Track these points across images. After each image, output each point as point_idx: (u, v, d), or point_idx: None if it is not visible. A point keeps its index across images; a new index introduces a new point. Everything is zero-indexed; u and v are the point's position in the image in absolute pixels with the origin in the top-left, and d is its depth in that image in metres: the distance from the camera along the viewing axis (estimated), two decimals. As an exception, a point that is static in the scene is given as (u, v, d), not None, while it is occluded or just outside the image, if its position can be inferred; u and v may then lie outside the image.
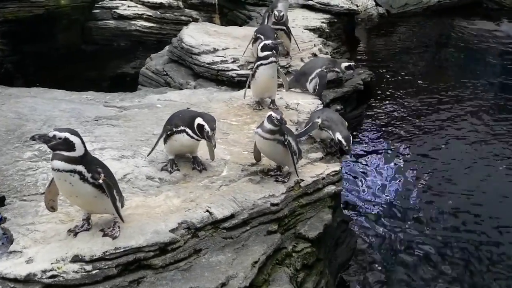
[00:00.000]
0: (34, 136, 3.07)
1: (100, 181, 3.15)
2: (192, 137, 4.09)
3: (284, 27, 7.09)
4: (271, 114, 4.07)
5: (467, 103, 9.28)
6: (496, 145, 7.89)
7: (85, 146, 3.16)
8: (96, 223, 3.44)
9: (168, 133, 4.17)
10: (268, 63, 5.33)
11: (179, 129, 4.11)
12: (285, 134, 4.13)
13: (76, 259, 3.14)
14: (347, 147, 4.80)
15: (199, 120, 4.02)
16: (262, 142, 4.18)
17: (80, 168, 3.10)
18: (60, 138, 3.05)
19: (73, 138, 3.09)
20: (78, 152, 3.11)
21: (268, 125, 4.08)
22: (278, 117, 4.03)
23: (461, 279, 5.30)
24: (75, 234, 3.34)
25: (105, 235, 3.31)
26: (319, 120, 4.93)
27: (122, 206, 3.48)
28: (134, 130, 4.96)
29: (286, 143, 4.11)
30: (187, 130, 4.08)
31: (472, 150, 7.70)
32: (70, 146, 3.08)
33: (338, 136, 4.81)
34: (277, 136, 4.08)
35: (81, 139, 3.14)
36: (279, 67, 5.63)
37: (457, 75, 10.66)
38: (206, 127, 3.98)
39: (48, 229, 3.42)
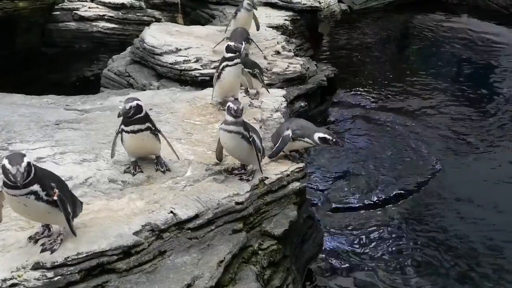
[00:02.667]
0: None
1: (55, 197, 3.01)
2: (128, 132, 4.05)
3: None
4: (229, 105, 4.03)
5: (430, 94, 9.52)
6: (460, 132, 8.10)
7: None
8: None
9: (119, 135, 4.15)
10: (234, 64, 5.27)
11: (119, 129, 4.10)
12: (250, 131, 4.11)
13: (37, 266, 3.07)
14: (334, 140, 4.52)
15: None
16: (227, 137, 4.09)
17: (35, 188, 2.95)
18: (20, 171, 2.82)
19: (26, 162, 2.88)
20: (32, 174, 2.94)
21: (229, 118, 4.02)
22: (235, 107, 3.98)
23: (427, 269, 5.41)
24: (36, 241, 3.25)
25: (43, 250, 3.16)
26: (289, 132, 4.54)
27: (76, 216, 3.35)
28: (96, 133, 4.88)
29: (251, 139, 4.08)
30: (123, 127, 4.07)
31: (437, 140, 7.88)
32: (30, 172, 2.91)
33: (319, 135, 4.50)
34: (241, 129, 4.03)
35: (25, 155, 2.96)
36: (243, 67, 5.59)
37: (419, 69, 10.87)
38: (123, 103, 3.99)
39: (7, 236, 3.33)
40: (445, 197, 6.57)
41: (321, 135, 4.50)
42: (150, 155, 4.36)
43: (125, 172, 4.20)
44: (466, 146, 7.87)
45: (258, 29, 7.63)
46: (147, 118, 4.11)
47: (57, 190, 3.04)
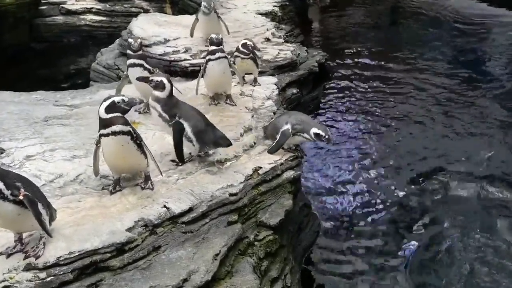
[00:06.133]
0: None
1: (21, 197, 2.89)
2: (106, 135, 3.59)
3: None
4: None
5: (422, 77, 9.43)
6: (455, 117, 8.04)
7: None
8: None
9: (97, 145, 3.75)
10: (216, 58, 5.13)
11: (98, 138, 3.68)
12: (176, 116, 4.06)
13: (29, 267, 3.03)
14: (327, 136, 4.44)
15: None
16: None
17: None
18: None
19: None
20: None
21: None
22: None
23: (423, 257, 5.39)
24: (8, 256, 3.12)
25: (26, 257, 3.08)
26: (288, 127, 4.49)
27: (54, 219, 3.28)
28: (86, 128, 4.82)
29: (170, 123, 4.05)
30: (101, 131, 3.60)
31: (430, 126, 7.82)
32: None
33: (314, 130, 4.42)
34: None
35: None
36: (231, 62, 5.45)
37: (410, 50, 10.79)
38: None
39: (-2, 238, 3.29)
40: (442, 182, 6.52)
41: (316, 130, 4.43)
42: (135, 173, 4.01)
43: (103, 189, 3.93)
44: (464, 129, 7.82)
45: (228, 33, 7.02)
46: (128, 122, 3.66)
47: (23, 190, 2.92)
